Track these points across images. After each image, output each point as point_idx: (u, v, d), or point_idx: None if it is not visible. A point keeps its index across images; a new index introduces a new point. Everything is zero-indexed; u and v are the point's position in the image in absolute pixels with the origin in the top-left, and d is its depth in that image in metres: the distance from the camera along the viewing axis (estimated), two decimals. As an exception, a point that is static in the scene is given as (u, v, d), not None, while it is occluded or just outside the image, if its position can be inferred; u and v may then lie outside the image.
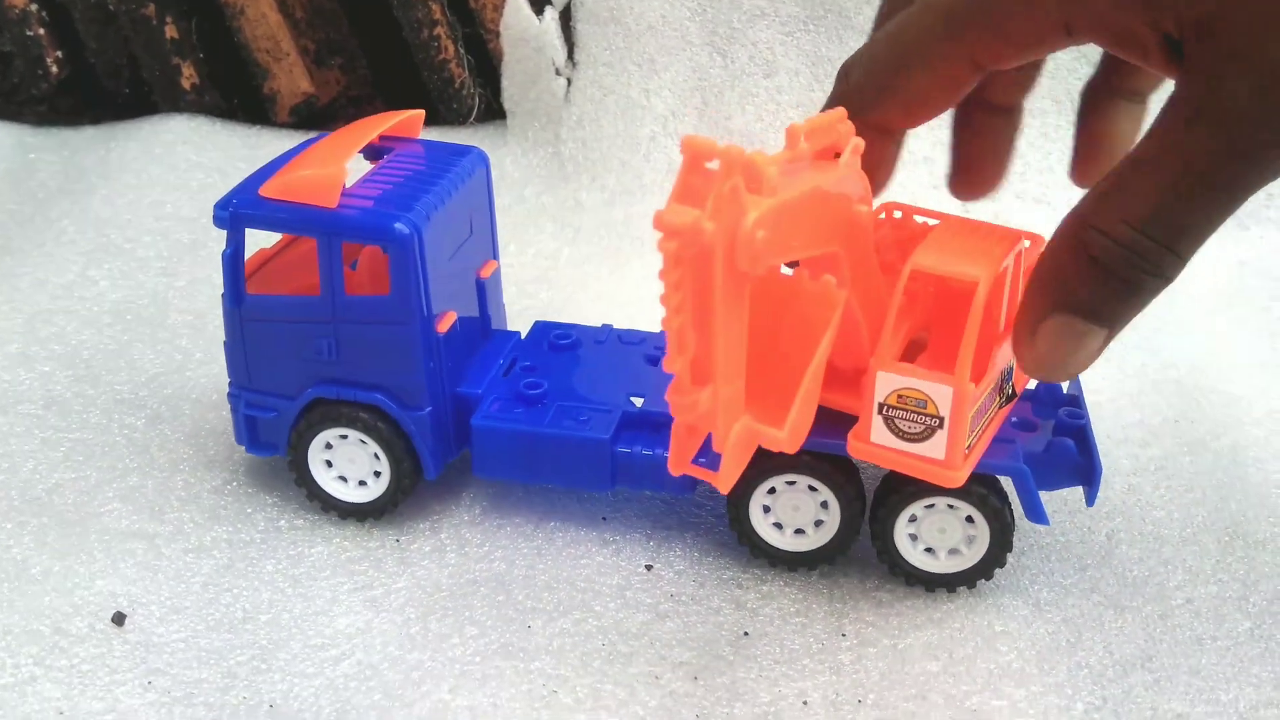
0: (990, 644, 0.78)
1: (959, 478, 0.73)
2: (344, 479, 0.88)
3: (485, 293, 0.92)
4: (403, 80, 1.43)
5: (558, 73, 1.33)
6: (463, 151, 0.90)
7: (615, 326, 0.96)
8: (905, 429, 0.73)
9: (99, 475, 0.92)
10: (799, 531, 0.83)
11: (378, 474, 0.87)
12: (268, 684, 0.75)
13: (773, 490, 0.83)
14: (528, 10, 1.32)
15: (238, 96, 1.45)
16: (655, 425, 0.84)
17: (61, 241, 1.22)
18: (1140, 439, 0.99)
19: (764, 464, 0.78)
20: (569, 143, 1.33)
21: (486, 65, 1.39)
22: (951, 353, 0.72)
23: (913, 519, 0.81)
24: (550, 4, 1.33)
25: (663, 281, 0.60)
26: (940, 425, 0.72)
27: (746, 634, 0.80)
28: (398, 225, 0.79)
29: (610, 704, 0.74)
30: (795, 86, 1.30)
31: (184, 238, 1.24)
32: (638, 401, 0.86)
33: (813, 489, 0.82)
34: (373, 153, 0.89)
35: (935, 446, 0.73)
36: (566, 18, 1.33)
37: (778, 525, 0.83)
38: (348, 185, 0.82)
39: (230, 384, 0.88)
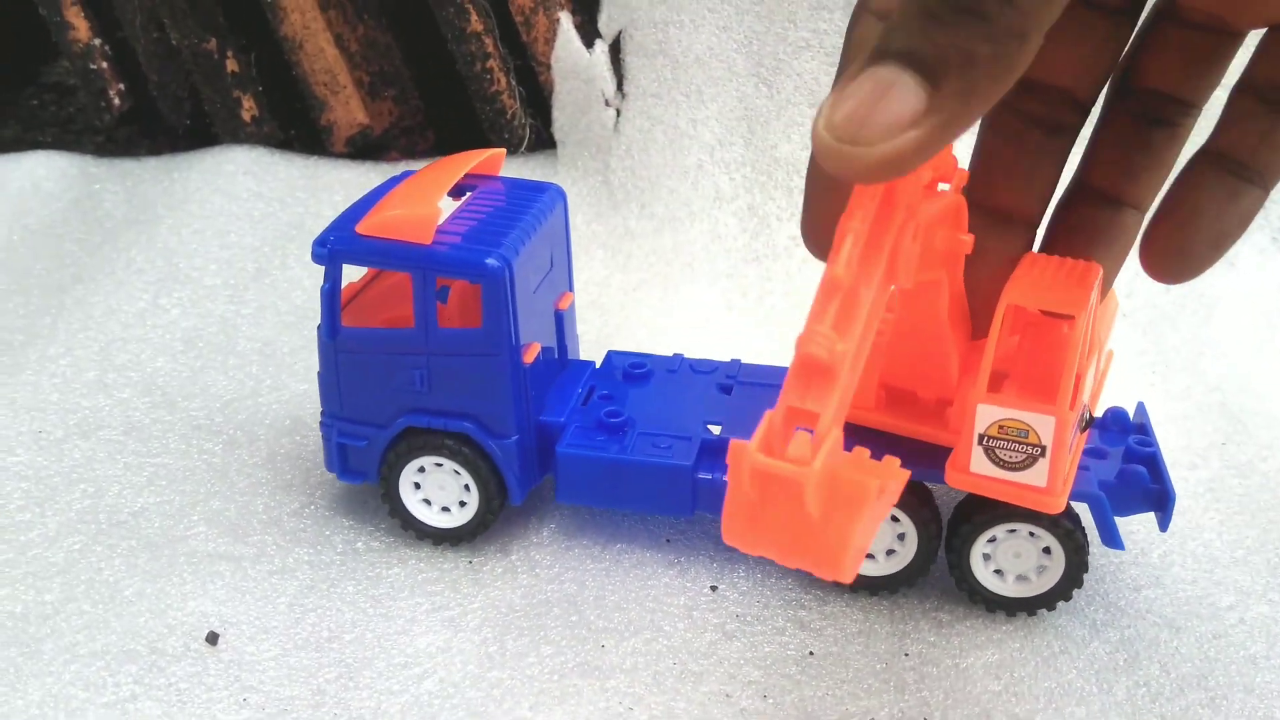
0: (1050, 663, 0.81)
1: (1060, 504, 0.76)
2: (430, 503, 0.91)
3: (563, 323, 0.96)
4: (455, 111, 1.47)
5: (607, 103, 1.37)
6: (542, 188, 0.93)
7: (685, 356, 0.99)
8: (1006, 458, 0.75)
9: (182, 499, 0.96)
10: (869, 557, 0.86)
11: (464, 502, 0.91)
12: (356, 700, 0.78)
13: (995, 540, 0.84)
14: (578, 43, 1.36)
15: (294, 128, 1.49)
16: None
17: (131, 270, 1.26)
18: (1188, 462, 1.01)
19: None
20: (618, 171, 1.36)
21: (537, 96, 1.43)
22: (1040, 380, 0.74)
23: (991, 540, 0.84)
24: (600, 37, 1.36)
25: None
26: (1042, 454, 0.74)
27: (812, 653, 0.82)
28: (490, 261, 0.83)
29: (684, 721, 0.77)
30: (840, 116, 1.33)
31: (249, 266, 1.28)
32: (715, 429, 0.89)
33: (894, 518, 0.85)
34: (455, 190, 0.92)
35: (1037, 475, 0.75)
36: (616, 50, 1.37)
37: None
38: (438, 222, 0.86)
39: (323, 413, 0.92)
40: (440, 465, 0.90)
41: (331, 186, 1.41)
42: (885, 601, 0.87)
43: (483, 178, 0.94)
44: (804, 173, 1.32)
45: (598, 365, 0.98)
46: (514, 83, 1.42)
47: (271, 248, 1.31)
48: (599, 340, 1.17)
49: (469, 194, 0.92)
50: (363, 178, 1.43)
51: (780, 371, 0.93)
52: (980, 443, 0.76)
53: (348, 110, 1.45)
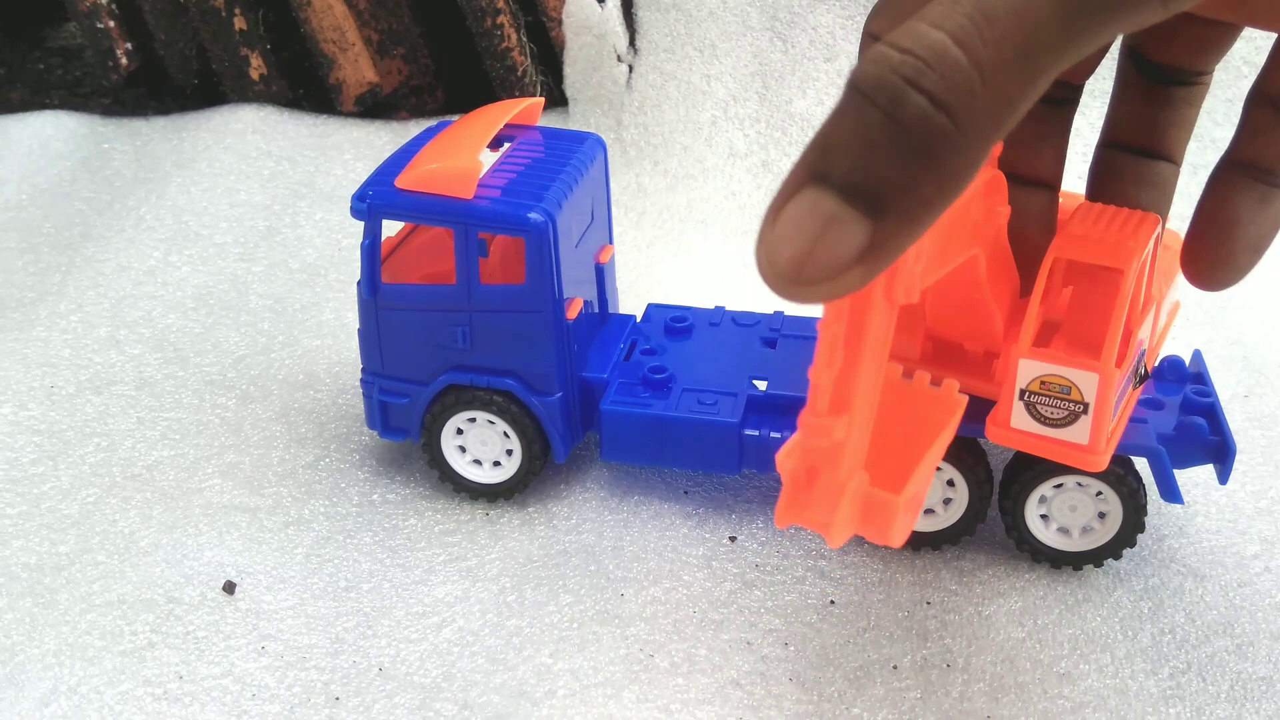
0: (1074, 611, 0.80)
1: (1101, 462, 0.74)
2: (469, 455, 0.90)
3: (604, 277, 0.94)
4: (465, 69, 1.45)
5: (619, 59, 1.35)
6: (582, 138, 0.91)
7: (726, 308, 0.97)
8: (1048, 414, 0.74)
9: (196, 453, 0.95)
10: (928, 511, 0.84)
11: (500, 459, 0.89)
12: (375, 648, 0.78)
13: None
14: (589, -2, 1.34)
15: (303, 86, 1.47)
16: (781, 408, 0.85)
17: (141, 228, 1.25)
18: (1211, 413, 1.00)
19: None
20: (631, 128, 1.35)
21: (548, 53, 1.41)
22: (1088, 335, 0.72)
23: (1043, 499, 0.82)
24: (612, -9, 1.34)
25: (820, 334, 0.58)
26: (1085, 411, 0.72)
27: (833, 602, 0.82)
28: (534, 215, 0.81)
29: (706, 668, 0.77)
30: (856, 70, 1.31)
31: (259, 224, 1.27)
32: (761, 385, 0.88)
33: (939, 469, 0.83)
34: (493, 141, 0.90)
35: (1079, 432, 0.73)
36: (628, 5, 1.35)
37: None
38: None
39: (363, 370, 0.90)
40: (474, 421, 0.88)
41: (341, 145, 1.40)
42: (906, 551, 0.86)
43: (520, 128, 0.92)
44: (817, 127, 1.31)
45: (638, 319, 0.96)
46: (525, 39, 1.40)
47: (281, 206, 1.30)
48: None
49: (507, 145, 0.89)
50: (372, 136, 1.42)
51: None
52: (1021, 398, 0.74)
53: (356, 68, 1.44)
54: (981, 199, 0.66)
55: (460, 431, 0.89)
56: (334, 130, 1.42)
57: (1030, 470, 0.82)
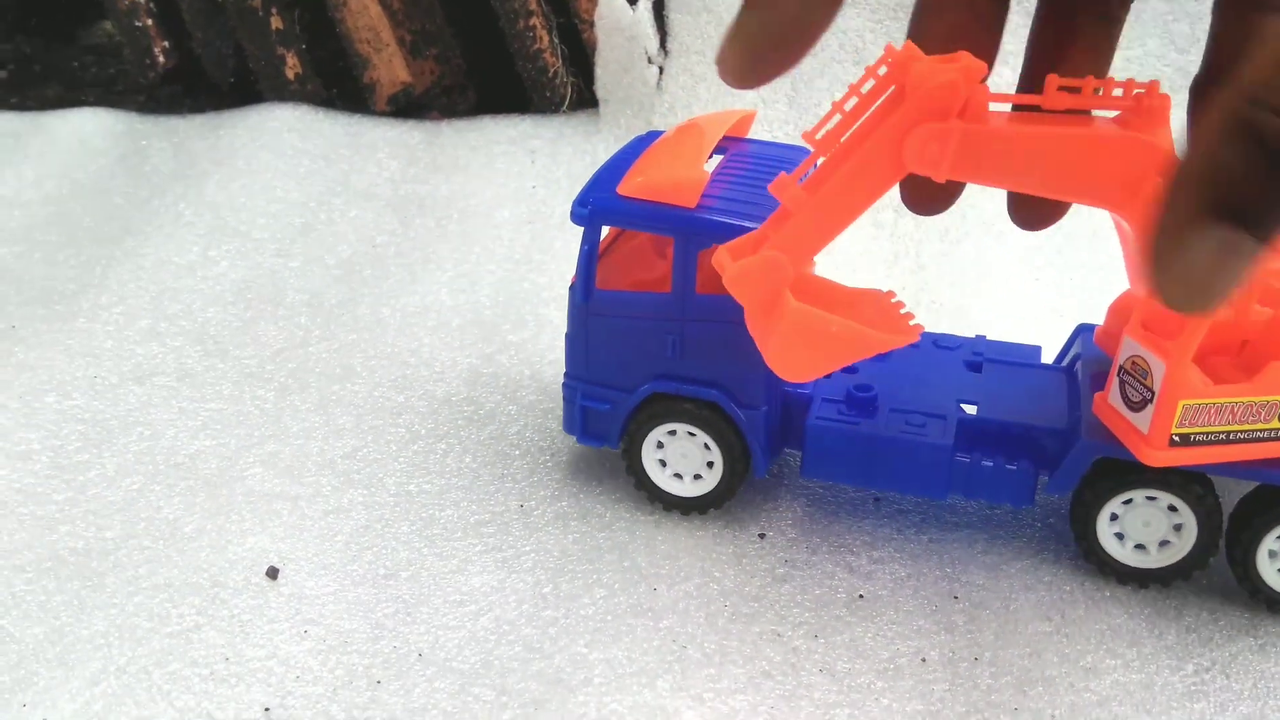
0: (1100, 606, 0.82)
1: (1155, 457, 0.74)
2: (667, 469, 0.89)
3: None
4: (496, 70, 1.47)
5: (650, 61, 1.37)
6: (793, 150, 0.90)
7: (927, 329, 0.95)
8: (1131, 395, 0.75)
9: (237, 442, 0.97)
10: (1138, 548, 0.82)
11: (699, 474, 0.89)
12: (415, 635, 0.79)
13: (1129, 501, 0.81)
14: (622, 1, 1.36)
15: (337, 86, 1.50)
16: (992, 434, 0.85)
17: (180, 224, 1.28)
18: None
19: (1123, 478, 0.80)
20: (661, 129, 1.36)
21: (580, 54, 1.43)
22: (1261, 357, 0.73)
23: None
24: (643, -6, 1.36)
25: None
26: (1151, 400, 0.73)
27: (862, 596, 0.83)
28: (755, 227, 0.79)
29: (737, 659, 0.78)
30: (884, 74, 1.32)
31: (295, 221, 1.29)
32: (970, 409, 0.87)
33: (1172, 509, 0.81)
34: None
35: (1143, 419, 0.74)
36: (659, 7, 1.37)
37: (1119, 535, 0.82)
38: None
39: (566, 374, 0.90)
40: (686, 433, 0.88)
41: (374, 144, 1.42)
42: (934, 546, 0.87)
43: (732, 139, 0.91)
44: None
45: None
46: (556, 40, 1.42)
47: (317, 203, 1.32)
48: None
49: (720, 156, 0.89)
50: (405, 135, 1.44)
51: (1031, 350, 0.92)
52: (1119, 374, 0.75)
53: (390, 69, 1.46)
54: (1119, 159, 0.68)
55: (661, 445, 0.89)
56: (367, 129, 1.44)
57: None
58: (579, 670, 0.77)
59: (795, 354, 0.74)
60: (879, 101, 0.70)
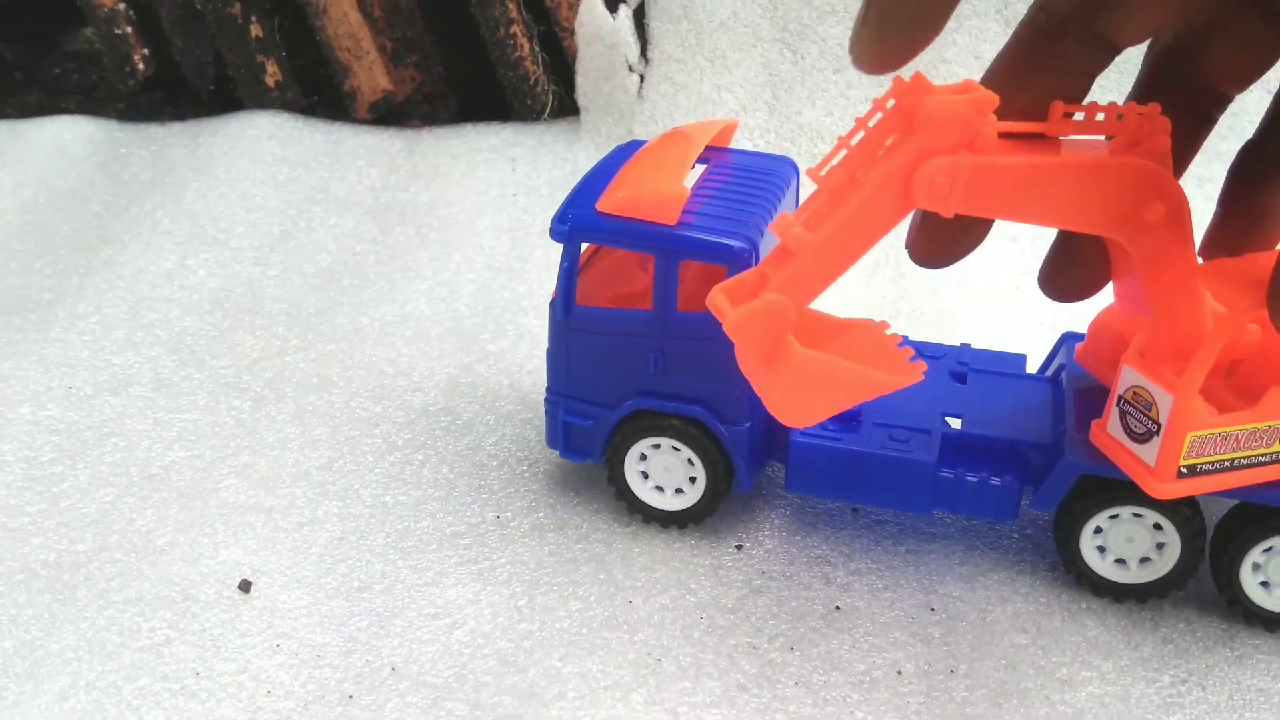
0: (1077, 618, 0.81)
1: (1162, 490, 0.73)
2: (650, 482, 0.89)
3: None
4: (477, 78, 1.47)
5: (631, 69, 1.37)
6: (776, 161, 0.89)
7: (910, 337, 0.94)
8: (1133, 426, 0.74)
9: (212, 454, 0.97)
10: (1120, 561, 0.82)
11: (682, 487, 0.88)
12: (388, 648, 0.79)
13: (1115, 516, 0.81)
14: (602, 8, 1.36)
15: (317, 94, 1.49)
16: (977, 449, 0.84)
17: (158, 232, 1.27)
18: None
19: (1108, 495, 0.79)
20: (642, 138, 1.36)
21: (560, 62, 1.43)
22: (1259, 384, 0.73)
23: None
24: (624, 2, 1.36)
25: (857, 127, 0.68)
26: (1157, 432, 0.73)
27: (838, 608, 0.83)
28: (737, 243, 0.79)
29: (713, 672, 0.78)
30: (865, 81, 1.33)
31: (274, 229, 1.28)
32: (954, 423, 0.86)
33: (1157, 527, 0.80)
34: None
35: (1149, 451, 0.73)
36: (640, 15, 1.37)
37: (1101, 549, 0.82)
38: None
39: (548, 390, 0.89)
40: (658, 447, 0.87)
41: (355, 152, 1.42)
42: (911, 557, 0.87)
43: (717, 150, 0.90)
44: (827, 137, 1.32)
45: None
46: (537, 48, 1.42)
47: (297, 211, 1.31)
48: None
49: (702, 168, 0.87)
50: (385, 143, 1.43)
51: (1016, 359, 0.92)
52: (1118, 404, 0.74)
53: (371, 76, 1.45)
54: (1121, 185, 0.68)
55: (644, 457, 0.88)
56: (348, 137, 1.44)
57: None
58: (553, 684, 0.77)
59: (799, 399, 0.71)
60: (873, 134, 0.69)
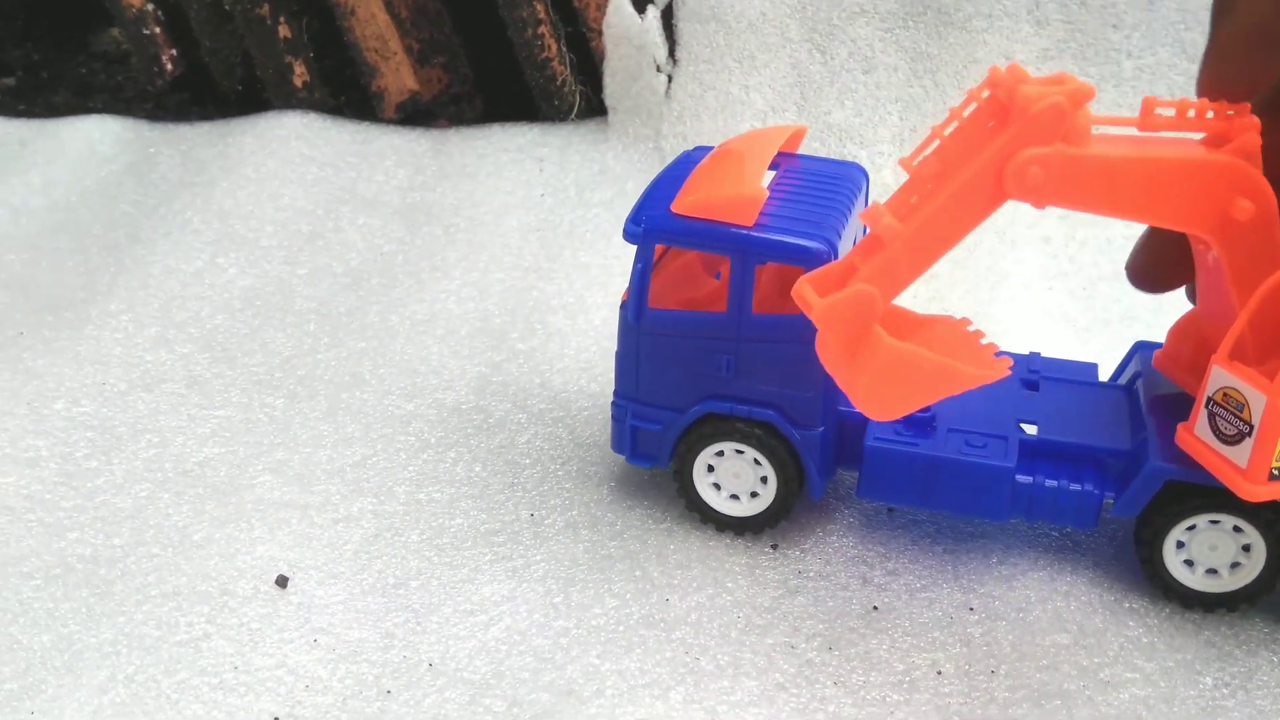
0: (1119, 619, 0.81)
1: (1254, 492, 0.72)
2: (720, 489, 0.88)
3: None
4: (504, 78, 1.47)
5: (659, 70, 1.37)
6: (846, 167, 0.89)
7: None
8: (1223, 429, 0.73)
9: (246, 450, 0.97)
10: (1211, 572, 0.80)
11: (755, 492, 0.87)
12: (425, 644, 0.79)
13: (1193, 527, 0.79)
14: (630, 9, 1.36)
15: (345, 94, 1.50)
16: (1054, 455, 0.83)
17: (188, 231, 1.27)
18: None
19: (1194, 502, 0.78)
20: (670, 138, 1.36)
21: (588, 63, 1.43)
22: None
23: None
24: (652, 3, 1.36)
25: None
26: (1249, 433, 0.71)
27: (876, 608, 0.82)
28: (815, 245, 0.78)
29: (750, 671, 0.77)
30: (894, 82, 1.32)
31: (303, 228, 1.28)
32: (1030, 429, 0.85)
33: (1237, 529, 0.79)
34: None
35: (1241, 453, 0.72)
36: (668, 16, 1.37)
37: (1188, 561, 0.81)
38: None
39: (615, 394, 0.88)
40: (737, 453, 0.86)
41: (382, 152, 1.42)
42: (949, 558, 0.87)
43: (784, 155, 0.89)
44: (855, 138, 1.32)
45: None
46: (565, 49, 1.42)
47: (325, 211, 1.31)
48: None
49: (773, 172, 0.86)
50: (412, 144, 1.44)
51: (1087, 367, 0.91)
52: (1207, 406, 0.73)
53: (398, 77, 1.46)
54: (1210, 182, 0.68)
55: (711, 469, 0.87)
56: (375, 137, 1.44)
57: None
58: (591, 681, 0.76)
59: (886, 392, 0.71)
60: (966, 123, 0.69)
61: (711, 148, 0.90)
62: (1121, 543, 0.87)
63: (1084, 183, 0.68)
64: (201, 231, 1.27)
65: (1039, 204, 0.69)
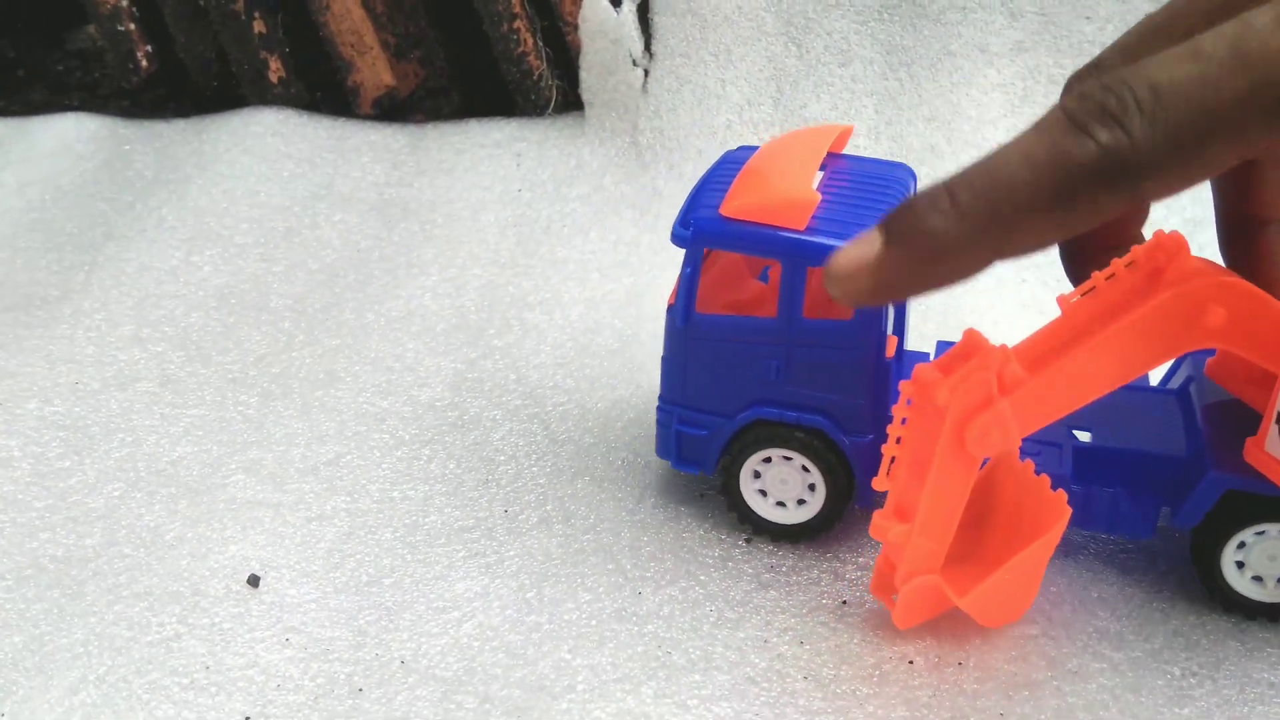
0: (1086, 608, 0.81)
1: None
2: (766, 496, 0.87)
3: (904, 313, 0.90)
4: (480, 73, 1.47)
5: (635, 64, 1.37)
6: (895, 168, 0.87)
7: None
8: None
9: (219, 449, 0.97)
10: (1257, 579, 0.80)
11: (804, 497, 0.86)
12: (397, 642, 0.79)
13: (1260, 533, 0.79)
14: (605, 3, 1.36)
15: (321, 89, 1.49)
16: (1107, 461, 0.82)
17: (163, 228, 1.27)
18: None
19: (1253, 511, 0.78)
20: (646, 132, 1.36)
21: (564, 57, 1.43)
22: None
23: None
24: (628, -3, 1.36)
25: (891, 415, 0.73)
26: None
27: (845, 602, 0.83)
28: None
29: (722, 665, 0.78)
30: (870, 75, 1.32)
31: (279, 225, 1.28)
32: (1083, 436, 0.84)
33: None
34: None
35: None
36: (644, 10, 1.37)
37: (1257, 579, 0.80)
38: None
39: (661, 399, 0.87)
40: (785, 459, 0.85)
41: (358, 148, 1.41)
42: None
43: (832, 156, 0.87)
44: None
45: (932, 358, 0.89)
46: (541, 43, 1.42)
47: (301, 207, 1.31)
48: (627, 299, 1.18)
49: (821, 174, 0.85)
50: (389, 139, 1.43)
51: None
52: (1278, 422, 0.73)
53: (374, 72, 1.45)
54: (1168, 321, 0.70)
55: (758, 475, 0.86)
56: (351, 133, 1.44)
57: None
58: (563, 677, 0.77)
59: (994, 610, 0.78)
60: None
61: (756, 148, 0.87)
62: (1089, 533, 0.87)
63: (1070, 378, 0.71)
64: (176, 229, 1.27)
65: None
